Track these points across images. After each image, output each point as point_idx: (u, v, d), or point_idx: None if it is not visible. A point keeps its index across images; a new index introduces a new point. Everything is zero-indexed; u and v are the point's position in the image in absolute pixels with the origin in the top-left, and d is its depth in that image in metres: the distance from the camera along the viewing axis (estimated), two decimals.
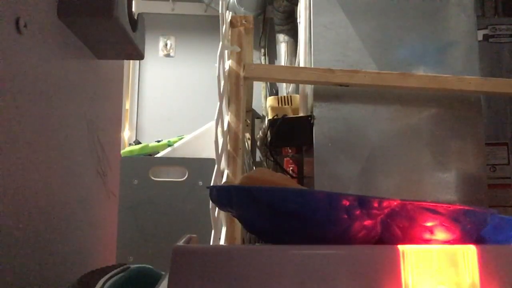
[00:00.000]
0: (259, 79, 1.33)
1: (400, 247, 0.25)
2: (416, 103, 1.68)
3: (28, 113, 0.52)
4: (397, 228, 0.28)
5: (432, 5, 1.69)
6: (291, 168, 1.39)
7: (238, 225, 0.93)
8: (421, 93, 1.68)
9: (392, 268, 0.25)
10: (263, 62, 2.61)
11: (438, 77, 1.62)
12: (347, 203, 0.27)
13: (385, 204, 0.28)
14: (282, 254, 0.24)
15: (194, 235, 0.95)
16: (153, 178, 1.60)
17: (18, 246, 0.49)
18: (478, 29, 1.87)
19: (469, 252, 0.26)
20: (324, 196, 0.28)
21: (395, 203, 0.28)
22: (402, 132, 1.69)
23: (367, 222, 0.27)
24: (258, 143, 1.83)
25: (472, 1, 1.71)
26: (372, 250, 0.25)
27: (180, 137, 1.86)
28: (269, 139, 1.27)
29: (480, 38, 2.04)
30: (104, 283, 0.55)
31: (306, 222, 0.28)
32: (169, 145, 1.83)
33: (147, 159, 1.73)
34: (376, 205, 0.27)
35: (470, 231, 0.29)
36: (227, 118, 1.12)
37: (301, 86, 1.51)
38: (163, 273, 0.70)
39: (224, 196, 0.32)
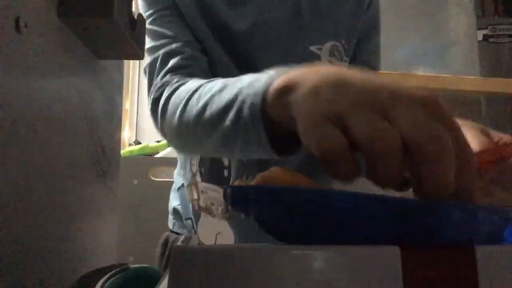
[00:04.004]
0: None
1: (401, 247, 0.25)
2: None
3: (27, 113, 0.52)
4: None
5: (432, 5, 1.69)
6: None
7: None
8: None
9: (393, 268, 0.25)
10: None
11: (438, 77, 1.62)
12: (371, 203, 0.27)
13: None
14: (283, 254, 0.24)
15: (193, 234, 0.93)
16: (153, 178, 1.60)
17: (17, 246, 0.49)
18: (478, 29, 1.87)
19: (470, 252, 0.26)
20: (348, 197, 0.27)
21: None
22: None
23: (390, 222, 0.27)
24: None
25: (472, 1, 1.71)
26: (373, 250, 0.25)
27: None
28: None
29: (480, 38, 2.04)
30: (104, 283, 0.55)
31: (329, 223, 0.27)
32: (169, 145, 1.83)
33: (147, 159, 1.73)
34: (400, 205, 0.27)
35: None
36: None
37: None
38: (163, 273, 0.70)
39: (240, 196, 0.31)
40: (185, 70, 0.66)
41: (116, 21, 0.60)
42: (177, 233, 1.03)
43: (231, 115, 0.48)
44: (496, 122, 2.05)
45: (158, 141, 1.89)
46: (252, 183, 0.36)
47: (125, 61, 0.96)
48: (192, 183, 0.88)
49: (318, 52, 0.78)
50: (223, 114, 0.49)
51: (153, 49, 0.71)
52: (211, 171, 0.82)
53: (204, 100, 0.54)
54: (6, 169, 0.47)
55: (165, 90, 0.65)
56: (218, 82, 0.55)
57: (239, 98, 0.47)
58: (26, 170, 0.51)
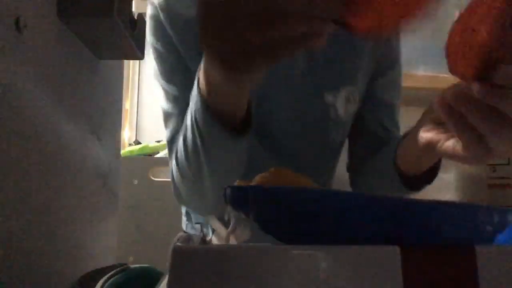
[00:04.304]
0: None
1: (401, 247, 0.25)
2: (416, 103, 1.68)
3: (27, 113, 0.52)
4: None
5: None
6: None
7: None
8: (421, 93, 1.68)
9: (393, 268, 0.25)
10: None
11: (438, 77, 1.62)
12: (371, 203, 0.27)
13: None
14: (283, 254, 0.24)
15: (194, 234, 0.93)
16: (153, 178, 1.60)
17: (18, 246, 0.49)
18: None
19: (470, 252, 0.26)
20: (348, 197, 0.27)
21: None
22: (402, 132, 1.69)
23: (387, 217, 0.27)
24: None
25: None
26: (373, 250, 0.25)
27: None
28: None
29: None
30: (104, 283, 0.56)
31: (328, 224, 0.27)
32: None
33: (147, 159, 1.72)
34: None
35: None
36: None
37: None
38: (163, 273, 0.70)
39: (240, 197, 0.31)
40: None
41: (116, 21, 0.60)
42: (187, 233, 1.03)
43: (195, 129, 0.52)
44: None
45: (158, 141, 1.89)
46: (252, 183, 0.36)
47: (125, 61, 0.96)
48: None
49: (333, 100, 0.73)
50: (193, 133, 0.53)
51: (167, 117, 0.70)
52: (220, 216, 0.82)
53: (181, 144, 0.57)
54: (7, 170, 0.47)
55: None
56: (181, 134, 0.59)
57: (192, 114, 0.52)
58: (27, 171, 0.51)
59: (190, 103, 0.52)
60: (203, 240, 0.88)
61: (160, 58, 0.67)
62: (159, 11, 0.63)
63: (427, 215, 0.28)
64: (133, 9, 0.71)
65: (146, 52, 0.78)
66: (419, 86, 1.63)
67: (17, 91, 0.49)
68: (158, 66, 0.68)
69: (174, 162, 0.63)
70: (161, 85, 0.68)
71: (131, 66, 2.88)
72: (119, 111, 0.92)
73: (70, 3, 0.57)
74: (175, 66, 0.67)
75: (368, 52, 0.73)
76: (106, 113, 0.81)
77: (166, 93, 0.68)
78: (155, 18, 0.64)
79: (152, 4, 0.65)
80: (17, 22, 0.47)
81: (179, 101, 0.67)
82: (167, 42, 0.65)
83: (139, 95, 3.01)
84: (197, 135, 0.52)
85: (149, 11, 0.65)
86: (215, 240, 0.87)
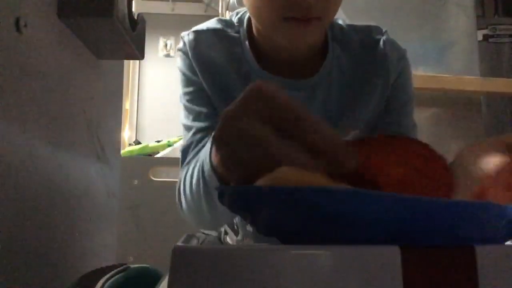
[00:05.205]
0: None
1: (401, 247, 0.25)
2: (416, 103, 1.68)
3: (28, 113, 0.52)
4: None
5: (432, 5, 1.69)
6: None
7: None
8: (421, 93, 1.68)
9: (393, 268, 0.25)
10: None
11: (438, 77, 1.62)
12: (371, 203, 0.27)
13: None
14: (283, 254, 0.24)
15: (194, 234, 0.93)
16: (153, 178, 1.60)
17: (18, 246, 0.49)
18: (478, 29, 1.86)
19: (470, 252, 0.26)
20: (347, 197, 0.27)
21: None
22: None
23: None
24: None
25: (472, 1, 1.71)
26: (373, 250, 0.25)
27: (180, 137, 1.85)
28: None
29: (480, 38, 2.04)
30: (104, 283, 0.55)
31: (355, 225, 0.27)
32: (169, 145, 1.83)
33: (147, 159, 1.73)
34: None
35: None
36: None
37: None
38: (163, 273, 0.70)
39: (241, 198, 0.31)
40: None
41: (116, 21, 0.60)
42: (206, 234, 1.04)
43: (201, 182, 0.56)
44: (496, 122, 2.05)
45: (158, 141, 1.89)
46: (259, 183, 0.36)
47: (125, 61, 0.96)
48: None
49: None
50: (198, 183, 0.57)
51: (186, 129, 0.74)
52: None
53: (188, 180, 0.62)
54: (6, 169, 0.47)
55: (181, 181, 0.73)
56: (192, 167, 0.63)
57: (201, 169, 0.55)
58: (26, 170, 0.51)
59: (201, 153, 0.56)
60: (219, 239, 0.91)
61: (186, 81, 0.72)
62: (188, 48, 0.69)
63: (427, 214, 0.28)
64: (133, 9, 0.71)
65: (146, 52, 0.78)
66: (419, 86, 1.63)
67: (17, 91, 0.49)
68: (183, 88, 0.73)
69: (181, 183, 0.68)
70: (183, 104, 0.73)
71: (131, 66, 2.88)
72: (119, 111, 0.92)
73: (70, 3, 0.57)
74: (198, 91, 0.72)
75: (380, 95, 0.78)
76: (106, 113, 0.81)
77: (187, 109, 0.73)
78: (185, 53, 0.70)
79: (183, 40, 0.71)
80: (17, 22, 0.47)
81: (200, 117, 0.71)
82: (193, 73, 0.71)
83: (139, 95, 3.02)
84: (201, 189, 0.57)
85: (179, 46, 0.71)
86: (229, 240, 0.89)
